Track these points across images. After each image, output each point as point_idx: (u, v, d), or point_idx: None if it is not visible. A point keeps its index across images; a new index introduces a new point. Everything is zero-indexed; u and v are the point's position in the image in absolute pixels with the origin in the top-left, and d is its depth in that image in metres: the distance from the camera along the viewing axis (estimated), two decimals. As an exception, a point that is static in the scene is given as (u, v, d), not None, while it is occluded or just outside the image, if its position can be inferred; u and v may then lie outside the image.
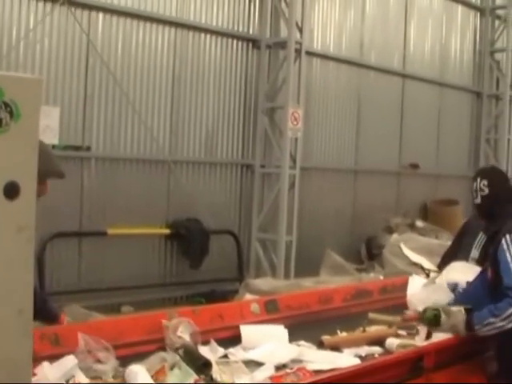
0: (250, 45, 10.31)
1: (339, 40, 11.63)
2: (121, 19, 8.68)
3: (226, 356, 3.80)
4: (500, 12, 14.84)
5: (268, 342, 3.96)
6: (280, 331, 4.18)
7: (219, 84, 9.89)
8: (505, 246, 3.85)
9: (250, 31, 10.30)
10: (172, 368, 3.26)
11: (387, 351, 3.95)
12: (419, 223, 12.40)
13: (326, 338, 4.11)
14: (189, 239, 9.28)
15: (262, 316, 4.44)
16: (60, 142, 8.01)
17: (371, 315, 4.56)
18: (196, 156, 9.67)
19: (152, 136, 8.99)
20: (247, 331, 4.12)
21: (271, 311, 4.53)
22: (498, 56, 14.92)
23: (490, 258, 4.10)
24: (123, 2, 8.70)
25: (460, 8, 14.27)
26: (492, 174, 4.45)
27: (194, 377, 3.29)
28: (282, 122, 10.21)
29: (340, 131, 11.83)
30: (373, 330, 4.30)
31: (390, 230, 12.13)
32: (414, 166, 13.23)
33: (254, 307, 4.52)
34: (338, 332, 4.27)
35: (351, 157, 12.13)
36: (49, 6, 7.94)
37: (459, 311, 4.05)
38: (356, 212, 12.20)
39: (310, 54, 10.83)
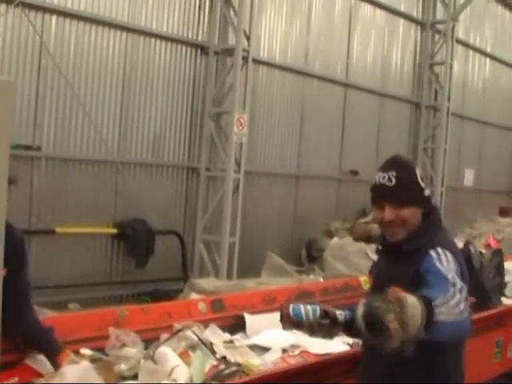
0: (199, 51, 10.55)
1: (285, 49, 11.95)
2: (73, 22, 8.81)
3: (231, 341, 4.14)
4: (440, 26, 15.33)
5: (268, 330, 4.31)
6: (276, 318, 4.54)
7: (168, 88, 10.11)
8: (435, 258, 3.06)
9: (199, 38, 10.54)
10: (194, 350, 3.52)
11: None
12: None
13: None
14: (135, 239, 9.47)
15: (208, 315, 4.69)
16: (11, 140, 8.11)
17: None
18: (144, 158, 9.87)
19: (101, 137, 9.16)
20: (250, 319, 4.47)
21: (217, 310, 4.79)
22: (437, 69, 15.41)
23: (405, 279, 3.08)
24: (76, 5, 8.83)
25: (402, 21, 14.71)
26: (402, 165, 3.39)
27: (212, 358, 3.58)
28: (228, 126, 10.47)
29: (283, 137, 12.13)
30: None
31: (329, 234, 12.46)
32: (354, 173, 13.61)
33: (201, 306, 4.78)
34: None
35: (294, 162, 12.44)
36: (3, 7, 8.04)
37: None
38: (297, 216, 12.51)
39: (256, 61, 11.11)
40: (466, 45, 16.88)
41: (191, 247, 10.55)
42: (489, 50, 17.91)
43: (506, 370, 5.47)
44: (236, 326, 4.63)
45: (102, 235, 9.36)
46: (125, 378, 3.45)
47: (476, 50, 17.38)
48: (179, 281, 9.90)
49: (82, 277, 8.97)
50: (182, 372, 3.29)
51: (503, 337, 5.40)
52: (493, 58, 18.11)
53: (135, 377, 3.45)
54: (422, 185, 3.27)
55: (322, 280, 9.62)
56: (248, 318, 4.57)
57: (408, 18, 14.88)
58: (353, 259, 8.41)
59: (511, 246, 9.53)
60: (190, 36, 10.39)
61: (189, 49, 10.40)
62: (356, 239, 7.64)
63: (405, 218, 3.17)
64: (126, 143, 9.59)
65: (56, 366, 3.44)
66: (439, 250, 3.06)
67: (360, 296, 5.64)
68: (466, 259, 5.36)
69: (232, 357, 3.83)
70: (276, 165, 12.04)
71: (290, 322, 3.21)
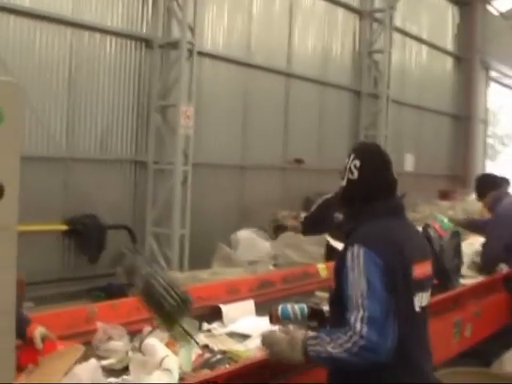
0: (144, 44, 10.56)
1: (229, 41, 12.03)
2: (18, 18, 8.74)
3: (209, 331, 4.24)
4: (378, 15, 15.61)
5: (244, 317, 4.55)
6: (250, 306, 4.76)
7: (113, 83, 10.09)
8: (349, 263, 3.05)
9: (144, 31, 10.55)
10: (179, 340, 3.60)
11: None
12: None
13: None
14: (86, 235, 9.48)
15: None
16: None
17: (318, 293, 5.04)
18: (92, 153, 9.85)
19: (49, 134, 9.12)
20: (226, 308, 4.66)
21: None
22: (376, 57, 15.70)
23: (337, 262, 3.27)
24: (19, 0, 8.76)
25: (341, 11, 14.94)
26: (367, 156, 3.39)
27: (197, 347, 3.66)
28: (175, 119, 10.52)
29: (228, 128, 12.23)
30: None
31: (276, 223, 12.64)
32: (299, 161, 13.79)
33: (168, 299, 4.87)
34: None
35: (239, 153, 12.55)
36: None
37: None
38: (244, 206, 12.64)
39: (201, 54, 11.17)
40: (404, 33, 17.22)
41: (141, 240, 10.57)
42: (425, 37, 18.28)
43: (464, 350, 5.69)
44: (210, 316, 4.73)
45: (53, 232, 9.33)
46: (115, 371, 3.53)
47: (413, 37, 17.74)
48: (131, 275, 9.94)
49: (34, 274, 8.89)
50: (173, 361, 3.38)
51: (461, 317, 5.60)
52: (429, 45, 18.51)
53: (125, 369, 3.53)
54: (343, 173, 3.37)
55: (271, 268, 9.82)
56: (224, 307, 4.69)
57: (347, 7, 15.10)
58: (305, 247, 8.55)
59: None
60: (134, 30, 10.38)
61: (133, 43, 10.40)
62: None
63: None
64: (74, 139, 9.56)
65: (27, 339, 3.42)
66: (355, 247, 3.05)
67: (318, 283, 5.85)
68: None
69: (214, 345, 3.95)
70: (222, 156, 12.13)
71: (279, 322, 3.34)
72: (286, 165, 13.63)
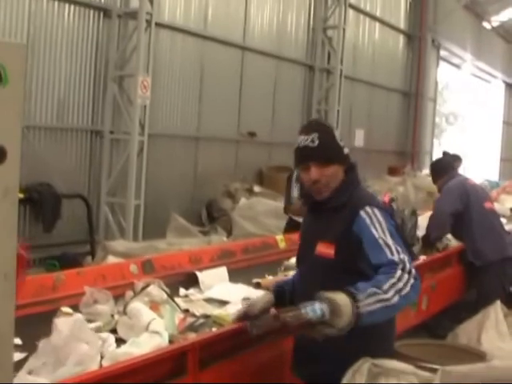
0: (102, 14, 10.54)
1: (186, 13, 12.05)
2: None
3: (186, 296, 4.47)
4: (332, -9, 15.74)
5: (220, 284, 4.73)
6: (223, 273, 4.96)
7: (71, 52, 10.04)
8: (368, 221, 3.17)
9: (102, 1, 10.52)
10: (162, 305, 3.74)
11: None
12: (256, 188, 13.12)
13: (261, 280, 4.90)
14: (41, 203, 9.46)
15: (140, 276, 4.86)
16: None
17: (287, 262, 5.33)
18: (48, 122, 9.83)
19: (5, 101, 9.06)
20: (202, 275, 4.87)
21: (148, 271, 5.01)
22: (330, 33, 15.84)
23: (329, 234, 3.33)
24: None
25: (296, -14, 15.05)
26: (322, 128, 3.52)
27: (179, 312, 3.85)
28: (131, 89, 10.55)
29: (184, 100, 12.29)
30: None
31: (229, 195, 12.82)
32: (252, 134, 13.94)
33: (133, 268, 4.99)
34: (266, 276, 5.00)
35: (194, 124, 12.64)
36: None
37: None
38: (197, 177, 12.75)
39: (159, 25, 11.17)
40: (358, 9, 17.39)
41: (96, 210, 10.63)
42: (378, 14, 18.50)
43: (421, 322, 5.94)
44: (186, 282, 4.92)
45: (9, 200, 9.29)
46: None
47: (366, 14, 17.94)
48: (85, 244, 10.03)
49: (-11, 242, 8.92)
50: (159, 324, 3.52)
51: (418, 290, 5.82)
52: (382, 22, 18.74)
53: (112, 332, 3.66)
54: (341, 144, 3.43)
55: (224, 239, 10.01)
56: (199, 274, 4.87)
57: (303, -18, 15.20)
58: (262, 219, 8.74)
59: (405, 203, 10.13)
60: (92, -1, 10.36)
61: (92, 12, 10.35)
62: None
63: (329, 175, 3.35)
64: (31, 107, 9.51)
65: None
66: (368, 209, 3.21)
67: (278, 254, 6.05)
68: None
69: (195, 310, 4.12)
70: (177, 127, 12.21)
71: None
72: (239, 137, 13.75)
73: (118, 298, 4.24)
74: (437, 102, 23.46)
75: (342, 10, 15.42)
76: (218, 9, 12.75)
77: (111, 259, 6.73)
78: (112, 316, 3.83)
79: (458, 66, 25.74)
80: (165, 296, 3.95)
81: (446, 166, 7.50)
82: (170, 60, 11.83)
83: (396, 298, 2.89)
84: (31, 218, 9.58)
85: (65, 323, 3.18)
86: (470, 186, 7.30)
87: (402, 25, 20.07)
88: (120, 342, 3.55)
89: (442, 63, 23.21)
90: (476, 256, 7.00)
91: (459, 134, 31.83)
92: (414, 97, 20.73)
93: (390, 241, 3.09)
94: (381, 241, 3.10)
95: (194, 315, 4.03)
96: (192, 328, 3.67)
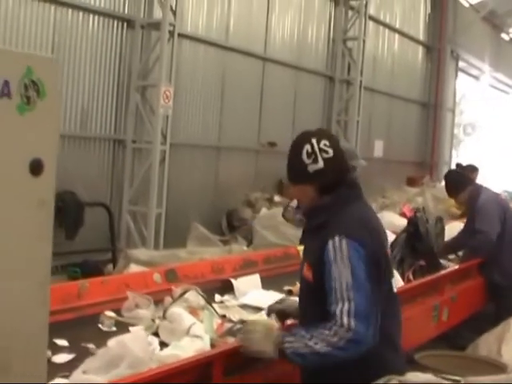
0: (125, 25, 10.67)
1: (208, 24, 12.16)
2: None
3: (221, 302, 4.60)
4: (353, 3, 15.76)
5: (253, 290, 4.84)
6: (257, 280, 5.06)
7: (95, 61, 10.16)
8: (331, 255, 2.99)
9: (126, 11, 10.64)
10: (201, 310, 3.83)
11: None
12: (277, 198, 13.17)
13: (293, 287, 4.94)
14: (64, 211, 9.57)
15: (163, 285, 4.94)
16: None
17: None
18: (72, 130, 9.94)
19: (31, 110, 9.17)
20: (236, 282, 4.97)
21: (171, 280, 5.08)
22: (350, 44, 15.90)
23: (310, 256, 3.24)
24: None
25: (317, -2, 15.14)
26: (330, 135, 3.36)
27: (217, 317, 3.95)
28: (154, 99, 10.67)
29: (205, 110, 12.37)
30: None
31: (249, 204, 12.89)
32: (272, 144, 13.99)
33: (156, 277, 5.07)
34: (297, 283, 5.09)
35: (215, 134, 12.72)
36: None
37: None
38: (218, 186, 12.81)
39: (181, 35, 11.29)
40: (377, 21, 17.45)
41: (118, 218, 10.73)
42: (397, 26, 18.55)
43: (441, 333, 5.98)
44: (221, 289, 5.00)
45: (33, 207, 9.39)
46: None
47: (386, 26, 17.99)
48: (107, 251, 10.12)
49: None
50: (200, 329, 3.61)
51: (439, 301, 5.86)
52: (401, 34, 18.79)
53: (154, 335, 3.74)
54: (307, 161, 3.15)
55: (245, 248, 10.06)
56: (234, 281, 4.97)
57: (323, -6, 15.27)
58: (283, 229, 8.78)
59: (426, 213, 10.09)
60: (116, 10, 10.46)
61: (115, 22, 10.48)
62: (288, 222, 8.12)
63: (296, 195, 3.35)
64: (55, 116, 9.60)
65: None
66: (336, 239, 2.98)
67: (300, 264, 6.09)
68: (414, 226, 5.82)
69: (231, 315, 4.22)
70: (198, 137, 12.29)
71: None
72: (259, 147, 13.82)
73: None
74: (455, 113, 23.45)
75: (361, 21, 15.48)
76: (239, 20, 12.86)
77: (133, 267, 6.81)
78: (153, 320, 3.93)
79: (476, 77, 25.69)
80: (202, 302, 4.04)
81: (462, 180, 7.28)
82: (191, 70, 11.93)
83: (325, 349, 2.86)
84: (54, 226, 9.52)
85: (132, 340, 3.18)
86: (504, 205, 7.17)
87: (421, 36, 20.10)
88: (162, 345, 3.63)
89: (460, 74, 23.19)
90: (504, 277, 6.90)
91: (477, 144, 31.71)
92: (432, 108, 20.73)
93: (343, 285, 2.91)
94: (334, 283, 2.94)
95: (230, 320, 4.12)
96: (231, 332, 3.74)
